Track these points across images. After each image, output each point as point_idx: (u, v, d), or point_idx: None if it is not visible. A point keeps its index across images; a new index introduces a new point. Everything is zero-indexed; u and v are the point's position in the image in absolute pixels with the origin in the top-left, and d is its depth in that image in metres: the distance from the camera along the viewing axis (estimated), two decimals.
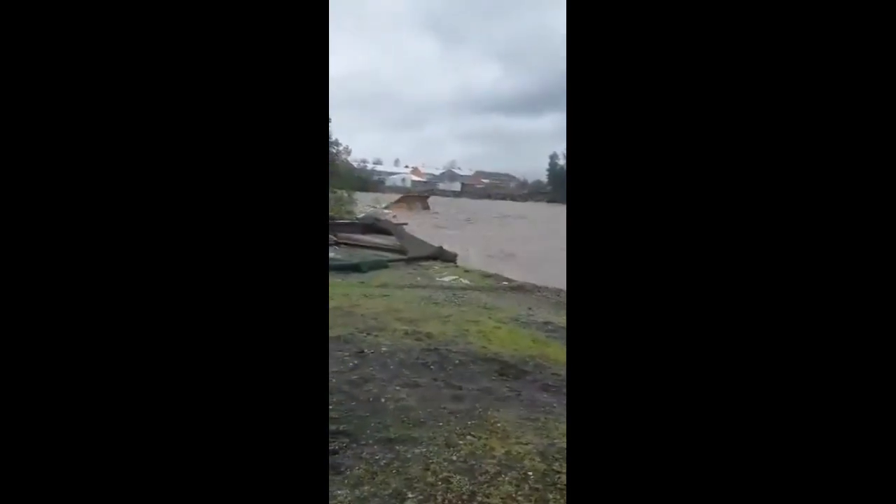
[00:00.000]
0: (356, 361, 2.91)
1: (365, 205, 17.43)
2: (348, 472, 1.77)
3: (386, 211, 19.22)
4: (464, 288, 5.78)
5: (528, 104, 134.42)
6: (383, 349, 3.14)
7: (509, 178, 64.14)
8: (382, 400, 2.40)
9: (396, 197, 26.84)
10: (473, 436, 2.08)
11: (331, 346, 3.15)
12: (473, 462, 1.87)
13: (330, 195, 16.17)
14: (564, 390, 2.31)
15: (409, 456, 1.90)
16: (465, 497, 1.67)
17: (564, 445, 1.84)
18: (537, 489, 1.72)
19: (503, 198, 45.72)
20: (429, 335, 3.51)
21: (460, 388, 2.61)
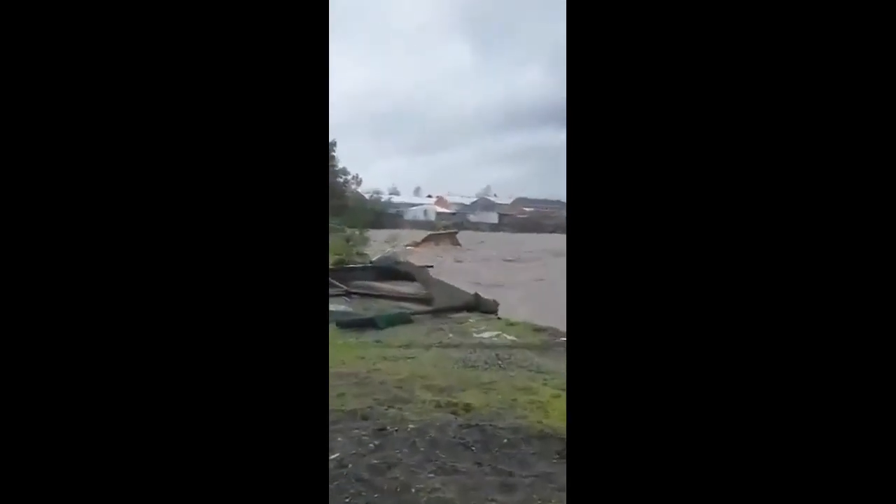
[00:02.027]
0: (377, 442, 2.94)
1: (380, 244, 17.63)
2: None
3: (409, 248, 19.33)
4: (510, 346, 5.76)
5: None
6: (410, 426, 3.17)
7: (559, 204, 64.09)
8: (412, 490, 2.39)
9: (418, 234, 27.13)
10: None
11: (346, 423, 3.16)
12: None
13: (339, 234, 16.53)
14: None
15: None
16: None
17: None
18: None
19: (553, 230, 45.51)
20: (467, 407, 3.53)
21: (511, 475, 2.59)
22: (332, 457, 2.69)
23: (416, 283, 10.02)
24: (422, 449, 2.86)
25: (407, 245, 21.40)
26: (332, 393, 3.65)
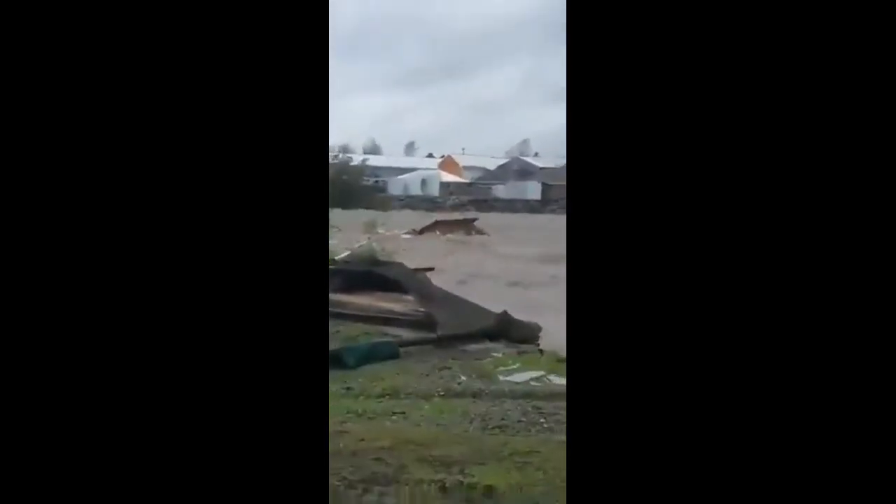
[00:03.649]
0: None
1: (351, 235, 17.77)
2: None
3: (398, 239, 19.02)
4: (559, 395, 5.61)
5: None
6: None
7: None
8: None
9: (413, 219, 26.84)
10: None
11: None
12: None
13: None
14: None
15: None
16: None
17: None
18: None
19: None
20: (489, 491, 3.55)
21: None
22: None
23: (407, 297, 9.72)
24: None
25: (399, 233, 21.13)
26: None
